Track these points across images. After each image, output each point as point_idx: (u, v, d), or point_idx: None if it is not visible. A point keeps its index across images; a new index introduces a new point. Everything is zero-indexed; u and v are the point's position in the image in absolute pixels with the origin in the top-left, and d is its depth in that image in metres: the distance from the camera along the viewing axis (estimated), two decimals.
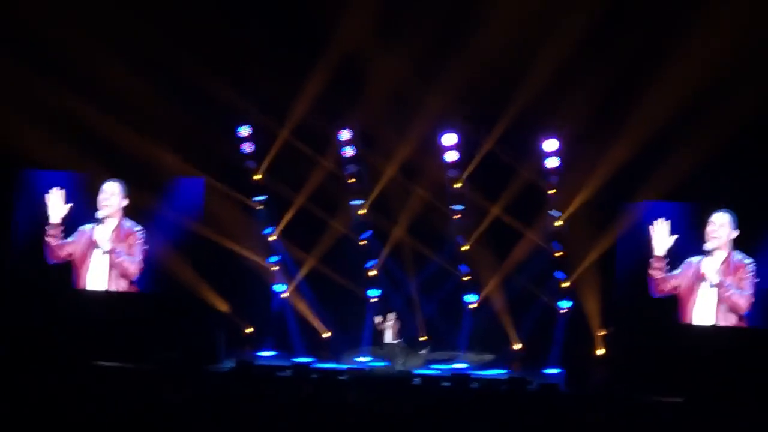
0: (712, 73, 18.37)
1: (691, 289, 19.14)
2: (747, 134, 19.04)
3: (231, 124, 20.86)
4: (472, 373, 18.96)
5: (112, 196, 20.02)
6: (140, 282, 19.90)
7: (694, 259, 19.17)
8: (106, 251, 19.85)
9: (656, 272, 19.14)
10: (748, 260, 18.92)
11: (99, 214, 19.86)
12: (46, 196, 19.99)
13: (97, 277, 19.91)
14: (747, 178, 19.40)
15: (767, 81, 18.61)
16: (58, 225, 19.97)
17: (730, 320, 18.91)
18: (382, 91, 19.96)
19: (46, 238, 19.94)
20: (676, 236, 19.11)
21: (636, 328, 19.13)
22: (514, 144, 20.34)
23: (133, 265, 19.87)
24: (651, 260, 19.18)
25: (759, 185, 19.30)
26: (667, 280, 19.17)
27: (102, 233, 19.84)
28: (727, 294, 18.90)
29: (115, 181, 20.04)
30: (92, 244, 19.92)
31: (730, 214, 18.97)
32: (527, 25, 18.94)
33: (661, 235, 19.20)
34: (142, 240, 19.97)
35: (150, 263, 19.95)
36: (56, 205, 20.00)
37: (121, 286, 19.83)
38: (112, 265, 19.81)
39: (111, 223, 20.05)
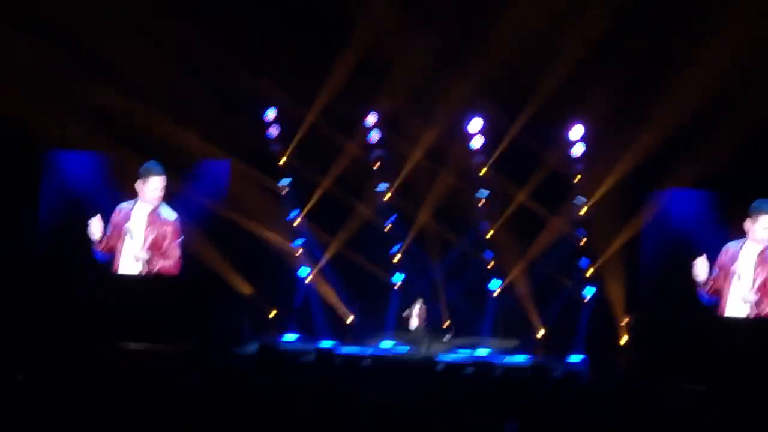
0: (745, 57, 18.24)
1: (726, 278, 18.88)
2: None
3: (257, 108, 20.86)
4: (496, 359, 18.97)
5: (158, 189, 19.70)
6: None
7: (731, 246, 18.81)
8: (140, 258, 19.74)
9: (705, 287, 18.85)
10: None
11: (151, 204, 19.70)
12: (89, 222, 19.73)
13: (129, 264, 19.89)
14: None
15: None
16: (100, 240, 19.83)
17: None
18: (407, 75, 19.95)
19: (94, 248, 19.86)
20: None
21: (660, 317, 19.07)
22: (539, 130, 20.29)
23: (171, 267, 19.82)
24: (698, 287, 18.79)
25: None
26: (712, 284, 18.87)
27: (137, 224, 19.65)
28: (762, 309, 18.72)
29: (159, 171, 19.67)
30: (127, 221, 19.87)
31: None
32: (554, 12, 18.87)
33: (703, 269, 18.61)
34: (178, 232, 19.89)
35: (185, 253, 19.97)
36: (96, 228, 19.75)
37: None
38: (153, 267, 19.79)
39: (147, 207, 19.99)
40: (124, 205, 20.01)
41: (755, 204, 18.90)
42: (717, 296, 18.79)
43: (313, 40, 20.06)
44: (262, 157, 21.05)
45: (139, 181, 19.99)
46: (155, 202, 19.84)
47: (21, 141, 20.12)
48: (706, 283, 18.04)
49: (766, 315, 18.74)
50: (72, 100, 19.87)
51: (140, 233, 19.77)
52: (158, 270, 19.85)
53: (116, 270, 19.86)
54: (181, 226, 19.94)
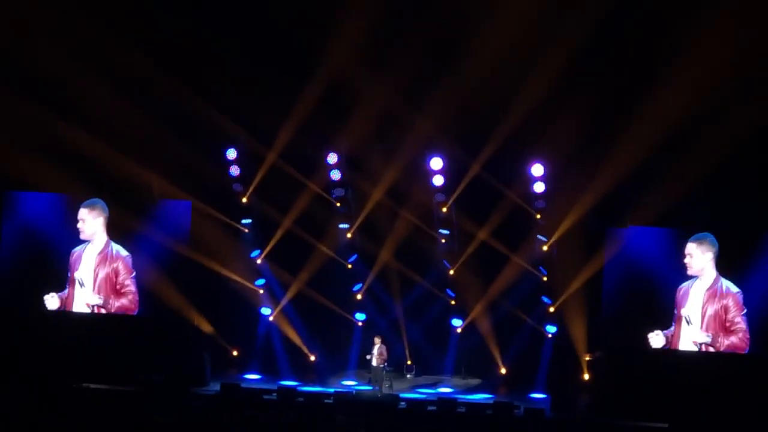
0: (703, 97, 18.44)
1: (679, 313, 19.16)
2: (731, 161, 19.07)
3: (219, 147, 20.83)
4: (459, 397, 18.96)
5: (83, 221, 20.03)
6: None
7: (683, 285, 19.21)
8: (95, 304, 19.83)
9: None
10: (735, 290, 18.94)
11: (95, 238, 19.90)
12: (45, 298, 19.93)
13: (79, 300, 19.92)
14: (730, 204, 19.42)
15: (748, 111, 18.65)
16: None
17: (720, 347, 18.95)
18: (369, 115, 19.99)
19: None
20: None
21: (621, 354, 19.16)
22: (501, 169, 20.35)
23: (131, 303, 19.85)
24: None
25: (743, 210, 19.33)
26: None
27: (86, 268, 19.82)
28: (727, 342, 18.89)
29: (88, 204, 20.01)
30: (77, 266, 19.94)
31: (706, 238, 19.03)
32: (514, 52, 18.97)
33: (658, 341, 19.17)
34: (130, 268, 19.94)
35: (138, 286, 19.94)
36: (52, 303, 20.01)
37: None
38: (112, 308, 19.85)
39: (96, 247, 20.01)
40: (77, 249, 20.14)
41: (692, 237, 19.33)
42: (671, 332, 19.11)
43: (275, 80, 20.08)
44: (224, 197, 21.02)
45: (80, 217, 20.16)
46: (102, 238, 19.97)
47: None
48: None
49: (718, 350, 19.01)
50: (32, 141, 19.83)
51: (89, 276, 19.88)
52: (116, 310, 19.86)
53: (69, 307, 19.92)
54: (134, 263, 20.01)
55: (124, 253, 20.04)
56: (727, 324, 18.88)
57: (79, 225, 19.97)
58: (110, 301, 19.82)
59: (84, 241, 20.08)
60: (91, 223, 19.82)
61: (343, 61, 19.70)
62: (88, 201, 19.99)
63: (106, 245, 20.03)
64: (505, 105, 19.71)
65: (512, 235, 20.61)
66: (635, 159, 19.29)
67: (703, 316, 19.04)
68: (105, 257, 20.11)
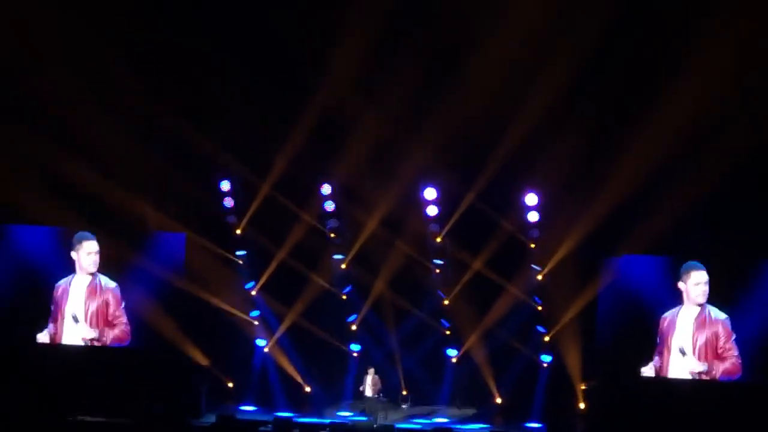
0: (691, 129, 18.55)
1: (665, 341, 19.16)
2: (724, 188, 19.15)
3: (212, 179, 20.87)
4: (454, 427, 18.94)
5: (93, 253, 20.02)
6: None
7: (668, 313, 19.23)
8: (91, 338, 19.84)
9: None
10: (723, 316, 18.97)
11: (87, 270, 19.89)
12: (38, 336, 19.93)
13: (71, 331, 19.90)
14: (724, 232, 19.49)
15: (743, 138, 18.74)
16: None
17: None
18: (363, 146, 20.06)
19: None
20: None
21: (617, 382, 19.17)
22: (495, 198, 20.41)
23: (122, 333, 19.85)
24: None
25: (737, 237, 19.40)
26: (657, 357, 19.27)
27: (77, 301, 19.85)
28: (721, 368, 18.92)
29: (91, 237, 20.02)
30: (65, 298, 19.94)
31: (704, 268, 19.08)
32: (507, 82, 19.08)
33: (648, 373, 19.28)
34: (119, 299, 19.94)
35: (132, 318, 19.93)
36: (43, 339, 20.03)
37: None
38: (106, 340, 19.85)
39: (84, 280, 20.02)
40: (62, 282, 20.12)
41: (684, 266, 19.35)
42: (660, 362, 19.12)
43: (269, 112, 20.14)
44: (218, 229, 21.04)
45: (72, 251, 20.15)
46: (92, 269, 19.97)
47: None
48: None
49: (714, 377, 19.04)
50: (25, 173, 19.85)
51: (81, 310, 19.86)
52: (110, 341, 19.84)
53: (59, 341, 19.91)
54: (127, 294, 20.02)
55: (112, 284, 20.05)
56: (719, 351, 18.89)
57: (94, 258, 19.79)
58: (105, 332, 19.81)
59: (66, 275, 20.00)
60: (93, 250, 19.83)
61: (337, 93, 19.77)
62: (88, 233, 19.91)
63: (94, 277, 20.03)
64: (498, 134, 19.78)
65: (506, 265, 20.62)
66: (629, 187, 19.34)
67: (694, 346, 19.06)
68: (94, 290, 20.10)
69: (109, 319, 19.92)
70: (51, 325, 19.92)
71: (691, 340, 19.06)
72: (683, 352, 18.96)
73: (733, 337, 18.90)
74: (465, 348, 20.88)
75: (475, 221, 20.57)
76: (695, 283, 19.02)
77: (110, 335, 19.87)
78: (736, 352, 18.86)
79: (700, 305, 19.03)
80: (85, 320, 19.89)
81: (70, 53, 19.53)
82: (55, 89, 19.48)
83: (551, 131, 19.45)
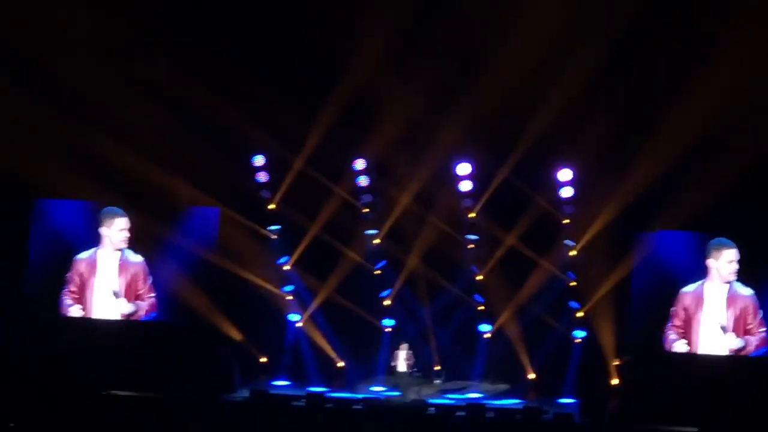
0: (729, 102, 18.39)
1: (693, 317, 19.08)
2: (761, 166, 19.02)
3: (246, 154, 20.90)
4: (487, 402, 18.93)
5: (125, 230, 20.08)
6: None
7: (690, 288, 19.13)
8: (129, 312, 19.92)
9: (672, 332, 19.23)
10: (749, 291, 18.87)
11: (117, 247, 19.95)
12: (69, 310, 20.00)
13: (102, 305, 20.00)
14: (760, 210, 19.38)
15: None
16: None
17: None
18: (396, 120, 20.02)
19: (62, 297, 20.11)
20: None
21: (651, 358, 19.11)
22: (528, 173, 20.34)
23: (144, 309, 19.93)
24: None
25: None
26: (677, 329, 19.19)
27: (109, 275, 19.93)
28: (752, 348, 18.86)
29: (122, 212, 20.06)
30: (93, 271, 20.01)
31: (735, 245, 18.97)
32: (542, 55, 18.99)
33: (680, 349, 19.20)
34: (146, 273, 20.00)
35: (160, 293, 20.01)
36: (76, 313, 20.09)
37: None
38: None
39: (112, 256, 20.09)
40: (84, 256, 20.15)
41: (714, 242, 19.22)
42: (684, 338, 19.04)
43: (302, 86, 20.14)
44: (252, 204, 21.07)
45: (103, 226, 20.21)
46: (122, 245, 20.05)
47: (10, 190, 20.14)
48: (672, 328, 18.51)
49: (749, 353, 18.97)
50: (61, 149, 19.90)
51: (116, 285, 19.98)
52: (144, 314, 19.97)
53: (88, 316, 20.04)
54: (160, 269, 20.11)
55: (138, 258, 20.17)
56: (749, 326, 18.83)
57: (126, 235, 19.87)
58: (140, 307, 19.94)
59: (90, 247, 20.07)
60: (124, 227, 19.93)
61: (370, 67, 19.73)
62: (118, 209, 19.98)
63: (121, 252, 20.16)
64: (532, 109, 19.70)
65: (540, 240, 20.55)
66: (665, 162, 19.22)
67: (729, 322, 19.00)
68: (124, 264, 20.24)
69: (140, 292, 20.02)
70: (76, 300, 20.01)
71: (725, 316, 18.97)
72: (724, 329, 18.88)
73: (761, 313, 18.83)
74: (498, 323, 20.86)
75: (509, 196, 20.52)
76: (729, 261, 18.89)
77: (143, 308, 19.98)
78: (763, 327, 18.79)
79: (728, 282, 18.94)
80: (123, 294, 20.01)
81: (98, 31, 19.56)
82: (86, 68, 19.53)
83: (586, 106, 19.34)
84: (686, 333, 19.10)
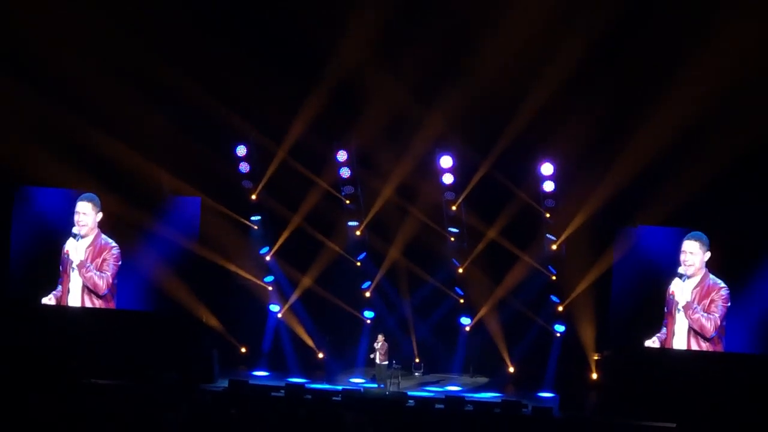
0: (711, 99, 18.43)
1: (672, 314, 19.22)
2: (739, 163, 19.06)
3: (228, 144, 20.86)
4: (466, 395, 18.96)
5: (85, 214, 20.15)
6: (117, 298, 20.05)
7: (672, 285, 19.25)
8: (75, 266, 20.04)
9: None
10: (722, 284, 18.97)
11: (75, 231, 20.05)
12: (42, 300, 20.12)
13: (73, 293, 20.05)
14: (740, 204, 19.43)
15: (754, 114, 18.65)
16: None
17: (700, 344, 19.01)
18: (379, 113, 20.00)
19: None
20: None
21: (630, 353, 19.16)
22: (510, 167, 20.35)
23: (101, 280, 19.95)
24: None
25: (749, 212, 19.34)
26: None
27: (77, 249, 20.04)
28: (695, 316, 19.00)
29: (88, 198, 20.12)
30: (70, 261, 20.12)
31: (702, 238, 19.04)
32: (525, 51, 18.98)
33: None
34: (116, 257, 20.05)
35: (140, 282, 20.04)
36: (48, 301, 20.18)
37: (94, 302, 19.98)
38: (83, 279, 19.98)
39: (87, 240, 20.14)
40: (69, 245, 20.27)
41: (686, 236, 19.41)
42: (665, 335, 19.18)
43: (285, 77, 20.09)
44: (233, 194, 21.05)
45: (80, 213, 20.27)
46: (94, 231, 20.15)
47: None
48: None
49: (698, 328, 19.13)
50: (44, 137, 19.87)
51: (77, 258, 20.14)
52: (89, 278, 20.02)
53: (64, 303, 20.09)
54: (137, 257, 20.15)
55: (112, 243, 20.26)
56: (709, 309, 18.94)
57: (80, 218, 20.03)
58: (86, 269, 20.06)
59: (76, 236, 20.10)
60: (93, 218, 19.95)
61: (353, 58, 19.71)
62: (86, 195, 20.07)
63: (97, 237, 20.25)
64: (515, 104, 19.71)
65: (521, 234, 20.60)
66: (645, 158, 19.27)
67: (687, 306, 19.19)
68: (96, 244, 20.38)
69: (99, 263, 20.12)
70: (59, 287, 20.06)
71: (692, 304, 19.12)
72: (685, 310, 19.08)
73: (728, 304, 18.92)
74: (478, 317, 20.90)
75: (491, 190, 20.53)
76: (683, 251, 19.08)
77: (89, 274, 20.05)
78: (719, 314, 18.88)
79: (704, 275, 19.02)
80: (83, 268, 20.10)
81: (82, 21, 19.49)
82: (71, 56, 19.48)
83: (568, 101, 19.36)
84: (667, 328, 19.21)
